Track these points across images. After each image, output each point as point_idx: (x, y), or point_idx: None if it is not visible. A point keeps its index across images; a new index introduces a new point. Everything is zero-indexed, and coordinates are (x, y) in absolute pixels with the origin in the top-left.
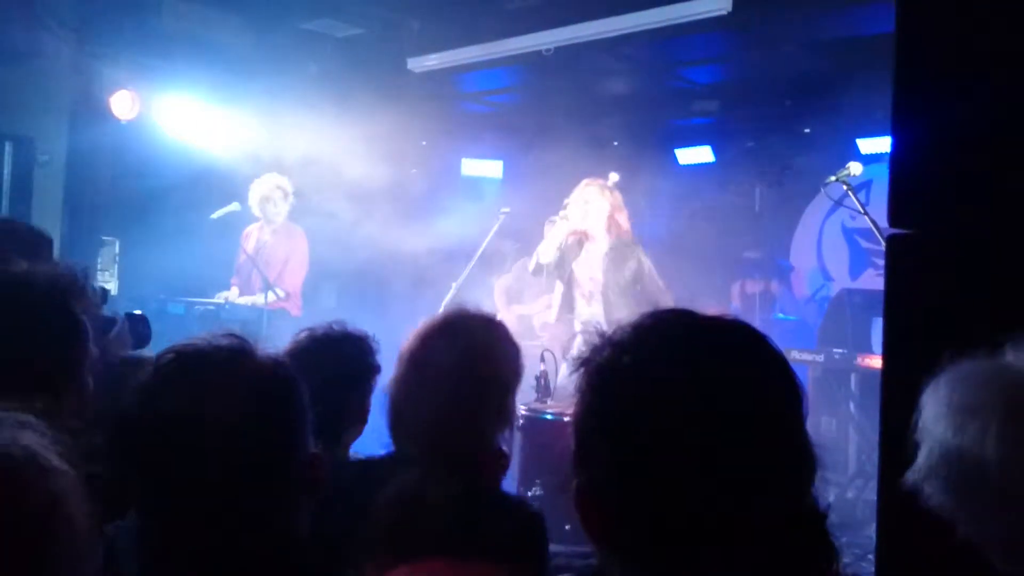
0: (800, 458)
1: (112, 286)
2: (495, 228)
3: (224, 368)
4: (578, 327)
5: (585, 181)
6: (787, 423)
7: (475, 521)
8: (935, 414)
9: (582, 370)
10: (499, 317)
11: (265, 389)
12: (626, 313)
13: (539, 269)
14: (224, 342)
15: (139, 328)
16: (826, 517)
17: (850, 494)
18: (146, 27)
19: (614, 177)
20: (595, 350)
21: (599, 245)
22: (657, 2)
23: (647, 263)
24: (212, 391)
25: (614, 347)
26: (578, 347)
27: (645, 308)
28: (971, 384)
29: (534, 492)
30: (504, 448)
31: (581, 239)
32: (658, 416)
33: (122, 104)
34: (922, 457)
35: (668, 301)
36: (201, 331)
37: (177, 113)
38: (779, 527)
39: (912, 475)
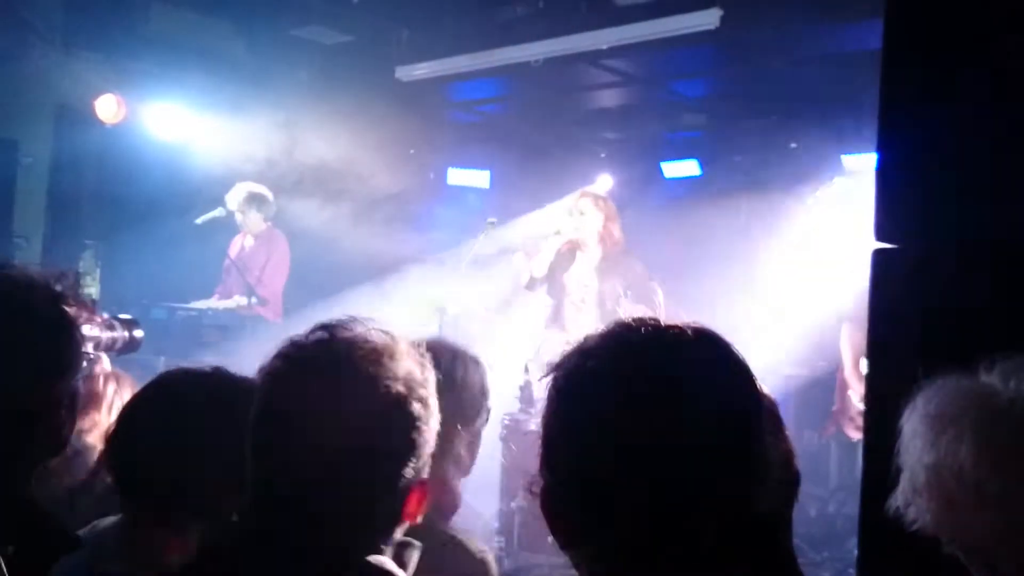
0: (757, 466)
1: (94, 290)
2: (481, 238)
3: (372, 367)
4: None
5: (580, 192)
6: (746, 431)
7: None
8: (911, 431)
9: (551, 376)
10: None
11: (401, 400)
12: None
13: (532, 283)
14: (379, 338)
15: (133, 332)
16: (787, 526)
17: (831, 508)
18: (133, 31)
19: (607, 181)
20: (564, 356)
21: (592, 255)
22: (645, 16)
23: (639, 268)
24: (351, 388)
25: (581, 354)
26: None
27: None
28: (943, 397)
29: (517, 503)
30: (453, 486)
31: (573, 248)
32: (616, 422)
33: (107, 108)
34: (904, 480)
35: (658, 308)
36: (183, 336)
37: (163, 118)
38: (734, 532)
39: (895, 500)
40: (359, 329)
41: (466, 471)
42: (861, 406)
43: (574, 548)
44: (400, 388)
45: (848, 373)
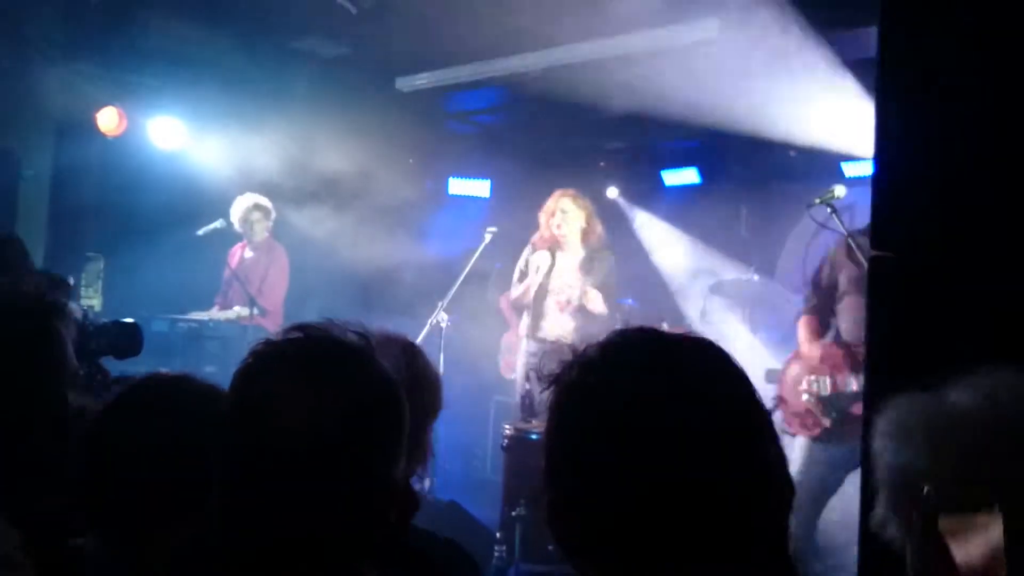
0: (759, 474)
1: (96, 302)
2: (481, 247)
3: (344, 366)
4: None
5: (558, 192)
6: (747, 441)
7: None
8: (879, 447)
9: (552, 388)
10: (510, 334)
11: (373, 400)
12: (595, 320)
13: (520, 303)
14: (353, 340)
15: (136, 336)
16: (786, 534)
17: (835, 516)
18: (133, 44)
19: (613, 192)
20: (565, 369)
21: (574, 254)
22: (645, 26)
23: (613, 273)
24: (324, 384)
25: (581, 366)
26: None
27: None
28: (902, 414)
29: (518, 512)
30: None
31: (553, 248)
32: (616, 434)
33: (108, 120)
34: (881, 495)
35: (605, 318)
36: (185, 348)
37: (164, 130)
38: (739, 542)
39: (873, 519)
40: (334, 330)
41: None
42: (808, 401)
43: (578, 558)
44: (372, 388)
45: (804, 355)
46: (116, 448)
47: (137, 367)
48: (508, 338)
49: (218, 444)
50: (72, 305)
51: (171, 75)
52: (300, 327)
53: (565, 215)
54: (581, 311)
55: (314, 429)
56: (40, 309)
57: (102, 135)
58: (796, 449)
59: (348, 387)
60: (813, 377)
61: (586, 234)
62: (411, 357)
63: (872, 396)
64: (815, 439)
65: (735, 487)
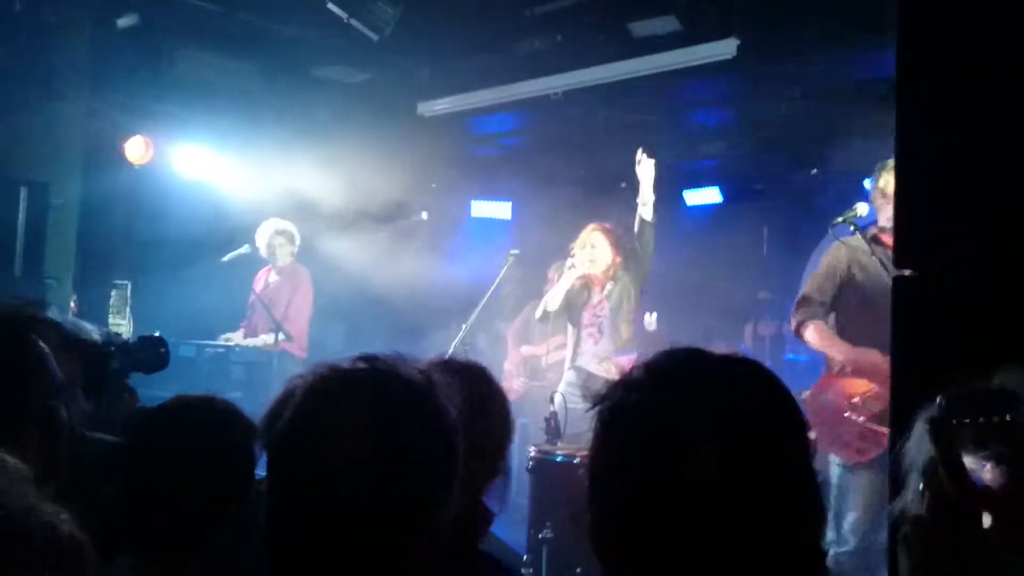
0: (803, 495)
1: (124, 328)
2: (504, 270)
3: (403, 403)
4: (568, 368)
5: (591, 226)
6: (790, 461)
7: None
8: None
9: (597, 410)
10: (509, 359)
11: (427, 445)
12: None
13: (545, 317)
14: (416, 377)
15: (160, 348)
16: (825, 553)
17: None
18: (159, 74)
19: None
20: (609, 390)
21: (604, 285)
22: (663, 47)
23: (630, 296)
24: (381, 418)
25: (626, 387)
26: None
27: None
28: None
29: (544, 535)
30: (487, 504)
31: (588, 283)
32: (664, 453)
33: (135, 149)
34: (914, 482)
35: (628, 332)
36: (211, 373)
37: (190, 158)
38: (780, 563)
39: (902, 503)
40: (400, 364)
41: (499, 494)
42: (863, 423)
43: None
44: (427, 430)
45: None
46: (148, 470)
47: (164, 392)
48: (507, 365)
49: (274, 459)
50: (89, 326)
51: (197, 104)
52: (368, 358)
53: (595, 250)
54: (613, 339)
55: (364, 460)
56: (14, 320)
57: (129, 164)
58: (845, 480)
59: (404, 424)
60: (858, 399)
61: (611, 267)
62: (472, 383)
63: (898, 416)
64: (864, 466)
65: (778, 508)
